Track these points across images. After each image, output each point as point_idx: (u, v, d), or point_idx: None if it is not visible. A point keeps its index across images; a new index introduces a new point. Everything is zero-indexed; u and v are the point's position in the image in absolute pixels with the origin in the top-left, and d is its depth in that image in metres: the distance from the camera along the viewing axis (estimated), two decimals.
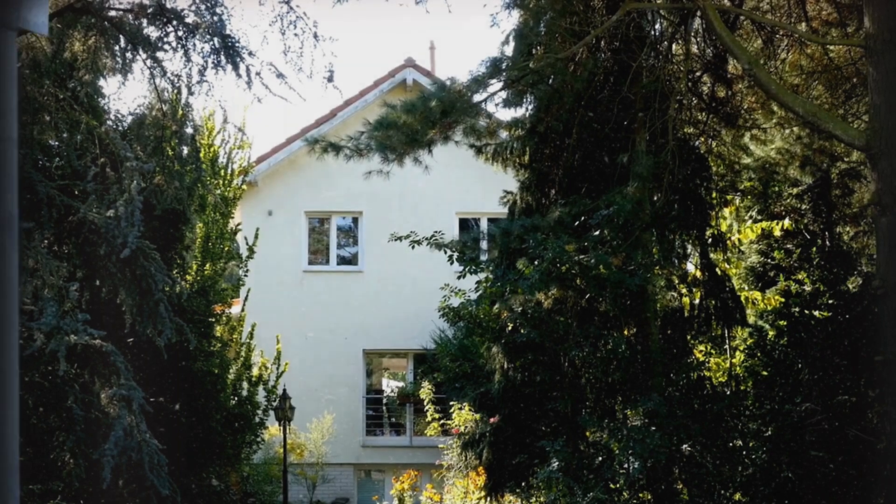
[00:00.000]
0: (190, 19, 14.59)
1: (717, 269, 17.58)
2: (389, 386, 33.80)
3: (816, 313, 17.36)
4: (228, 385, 22.49)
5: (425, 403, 25.80)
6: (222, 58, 14.55)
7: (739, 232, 18.80)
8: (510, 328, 16.76)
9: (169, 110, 15.59)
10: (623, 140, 17.04)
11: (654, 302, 16.91)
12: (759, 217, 19.08)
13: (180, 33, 14.58)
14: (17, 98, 2.11)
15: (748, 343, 17.59)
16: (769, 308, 17.88)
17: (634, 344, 16.79)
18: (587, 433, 16.44)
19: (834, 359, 16.57)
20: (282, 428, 26.70)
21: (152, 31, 14.82)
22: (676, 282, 17.60)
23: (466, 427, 20.26)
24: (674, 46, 17.61)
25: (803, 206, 19.19)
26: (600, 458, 16.00)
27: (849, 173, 19.62)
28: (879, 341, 13.18)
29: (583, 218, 15.97)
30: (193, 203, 19.25)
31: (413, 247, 18.31)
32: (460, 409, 21.94)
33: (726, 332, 17.64)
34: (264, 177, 31.59)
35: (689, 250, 18.18)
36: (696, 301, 17.56)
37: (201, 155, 20.00)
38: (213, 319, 22.01)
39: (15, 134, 2.12)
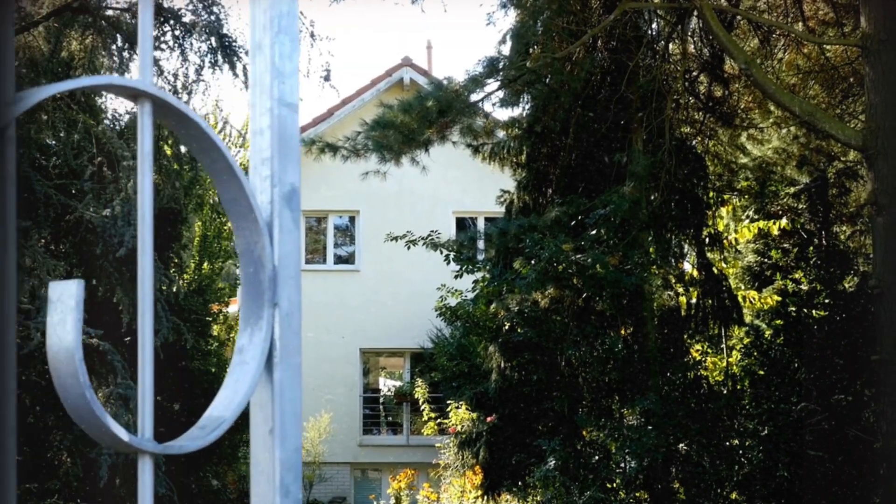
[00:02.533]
0: (187, 18, 14.63)
1: (714, 269, 17.60)
2: (386, 385, 33.81)
3: (813, 312, 17.38)
4: None
5: (421, 403, 25.83)
6: (219, 57, 14.59)
7: (736, 231, 18.81)
8: (507, 327, 16.78)
9: None
10: (620, 140, 17.05)
11: (650, 301, 16.93)
12: (756, 216, 19.10)
13: (177, 32, 14.61)
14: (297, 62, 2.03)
15: (745, 342, 17.61)
16: (766, 307, 17.89)
17: (631, 343, 16.82)
18: (584, 432, 16.47)
19: (833, 358, 16.59)
20: None
21: None
22: (673, 281, 17.63)
23: (463, 426, 20.29)
24: (671, 46, 17.62)
25: (800, 206, 19.20)
26: (597, 457, 16.03)
27: (846, 173, 19.63)
28: (876, 341, 13.20)
29: (580, 217, 15.99)
30: (191, 202, 19.27)
31: (409, 247, 18.33)
32: (457, 408, 21.95)
33: (723, 331, 17.66)
34: None
35: (685, 250, 18.21)
36: (693, 300, 17.58)
37: None
38: (211, 318, 22.04)
39: (297, 100, 2.09)
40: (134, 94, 1.81)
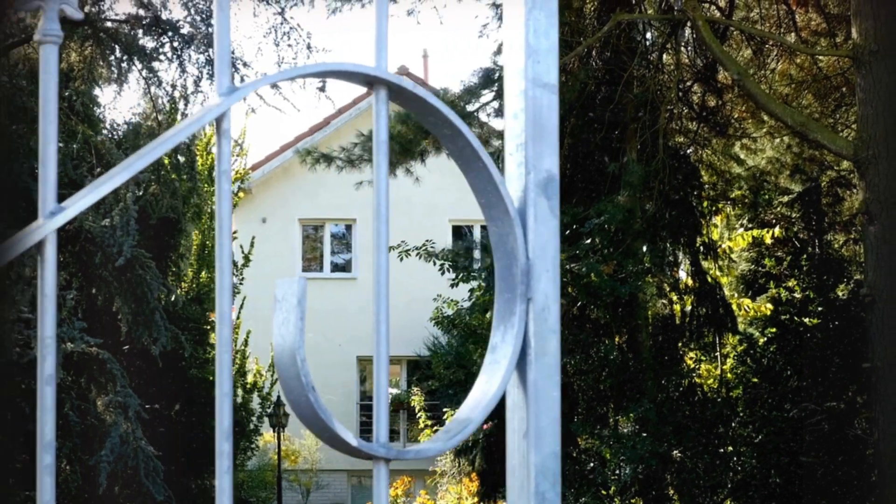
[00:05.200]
0: (185, 30, 14.75)
1: (709, 277, 17.72)
2: None
3: (806, 320, 17.50)
4: None
5: (417, 410, 25.93)
6: None
7: (730, 240, 18.94)
8: None
9: (164, 120, 15.74)
10: (615, 149, 17.19)
11: (645, 309, 17.05)
12: (750, 225, 19.22)
13: (175, 44, 14.73)
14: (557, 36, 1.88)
15: (739, 350, 17.73)
16: (759, 315, 18.02)
17: (626, 351, 16.93)
18: (579, 439, 16.58)
19: (826, 365, 16.70)
20: (276, 434, 26.80)
21: (148, 42, 14.98)
22: (668, 289, 17.75)
23: None
24: (664, 56, 17.76)
25: (793, 215, 19.33)
26: (592, 464, 16.15)
27: (839, 181, 19.76)
28: (869, 348, 13.33)
29: (574, 226, 16.12)
30: (188, 211, 19.39)
31: (401, 258, 18.42)
32: (453, 415, 22.04)
33: (717, 339, 17.78)
34: (258, 184, 31.70)
35: (680, 258, 18.33)
36: (688, 308, 17.70)
37: (199, 163, 20.17)
38: (208, 327, 22.14)
39: (555, 80, 1.93)
40: (368, 81, 1.75)
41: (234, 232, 25.17)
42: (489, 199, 1.89)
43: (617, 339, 17.01)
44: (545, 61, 1.93)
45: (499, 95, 15.77)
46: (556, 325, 1.88)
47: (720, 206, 19.27)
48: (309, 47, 15.02)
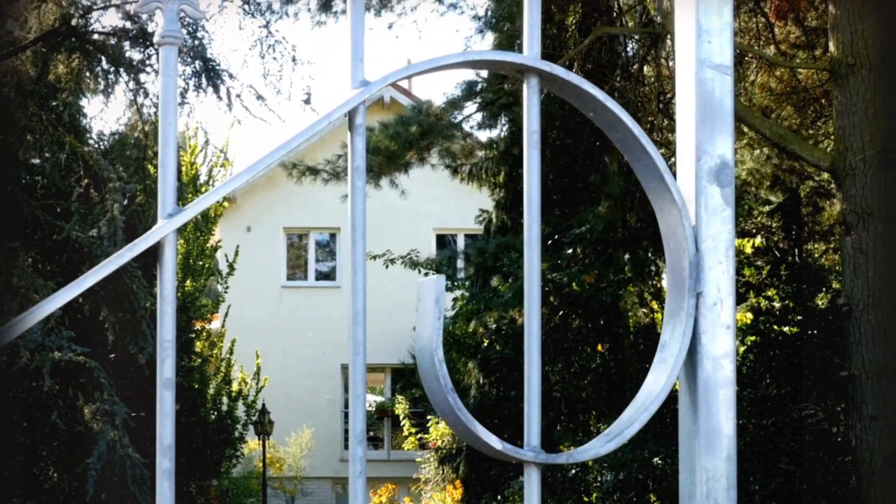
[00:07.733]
0: None
1: None
2: (367, 400, 33.94)
3: (786, 329, 17.66)
4: (209, 400, 22.73)
5: (401, 418, 26.06)
6: (203, 80, 14.86)
7: None
8: (485, 344, 17.04)
9: (151, 131, 15.88)
10: (596, 160, 17.35)
11: (626, 318, 17.21)
12: None
13: None
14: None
15: None
16: (739, 324, 18.17)
17: (607, 359, 17.09)
18: (561, 447, 16.73)
19: (811, 371, 16.85)
20: (261, 442, 26.91)
21: (134, 54, 15.12)
22: (649, 298, 17.90)
23: (443, 441, 20.51)
24: (645, 68, 17.94)
25: (774, 224, 19.49)
26: (574, 471, 16.29)
27: (818, 192, 19.91)
28: (846, 357, 13.50)
29: (556, 236, 16.28)
30: None
31: (387, 266, 18.58)
32: (437, 423, 22.18)
33: None
34: (243, 193, 31.80)
35: (661, 267, 18.50)
36: None
37: (183, 173, 20.29)
38: (194, 335, 22.26)
39: (730, 61, 1.78)
40: (518, 70, 1.67)
41: (219, 241, 25.28)
42: (655, 189, 1.80)
43: (599, 348, 17.17)
44: (717, 41, 1.82)
45: (481, 108, 15.95)
46: (731, 321, 1.75)
47: None
48: (294, 59, 15.20)
